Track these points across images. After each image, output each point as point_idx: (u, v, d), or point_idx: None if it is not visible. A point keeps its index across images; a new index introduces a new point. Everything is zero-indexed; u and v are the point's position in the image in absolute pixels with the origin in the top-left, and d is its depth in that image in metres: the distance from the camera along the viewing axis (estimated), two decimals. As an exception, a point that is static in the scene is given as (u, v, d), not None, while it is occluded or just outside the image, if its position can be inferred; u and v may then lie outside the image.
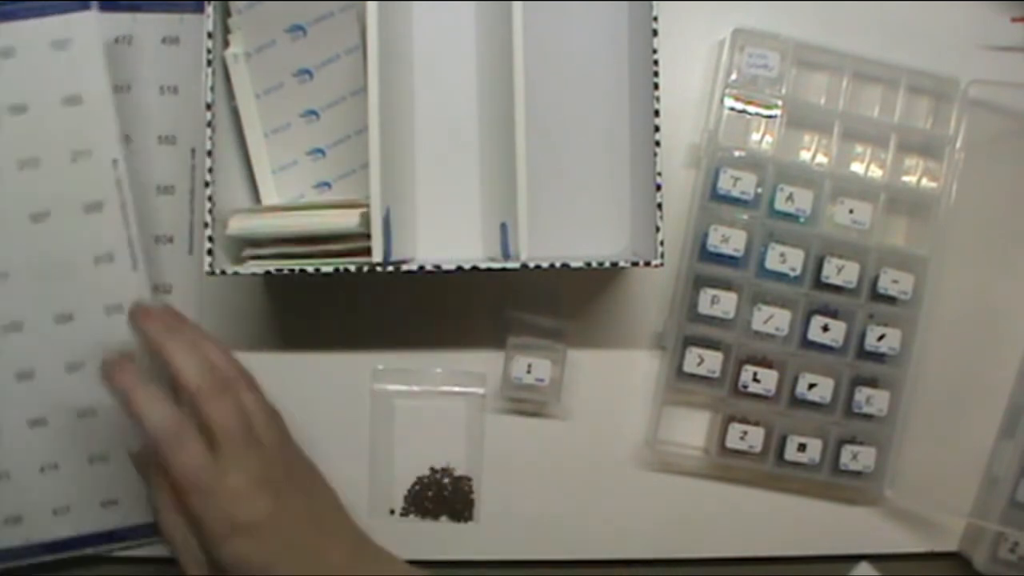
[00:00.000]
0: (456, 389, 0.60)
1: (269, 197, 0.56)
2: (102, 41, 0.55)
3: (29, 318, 0.56)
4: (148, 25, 0.59)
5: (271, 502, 0.46)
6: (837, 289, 0.58)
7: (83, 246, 0.56)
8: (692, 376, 0.58)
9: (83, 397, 0.57)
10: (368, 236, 0.50)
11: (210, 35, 0.52)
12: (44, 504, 0.57)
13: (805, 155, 0.60)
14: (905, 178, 0.60)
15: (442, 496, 0.59)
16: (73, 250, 0.56)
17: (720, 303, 0.57)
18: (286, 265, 0.51)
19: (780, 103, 0.58)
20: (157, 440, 0.46)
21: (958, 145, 0.59)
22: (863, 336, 0.58)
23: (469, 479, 0.59)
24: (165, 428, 0.46)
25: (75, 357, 0.57)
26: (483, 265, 0.51)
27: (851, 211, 0.58)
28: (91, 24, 0.55)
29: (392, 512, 0.59)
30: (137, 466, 0.51)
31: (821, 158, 0.59)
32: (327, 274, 0.51)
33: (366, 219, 0.50)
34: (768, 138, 0.59)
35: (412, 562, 0.57)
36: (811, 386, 0.58)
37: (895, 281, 0.58)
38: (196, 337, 0.50)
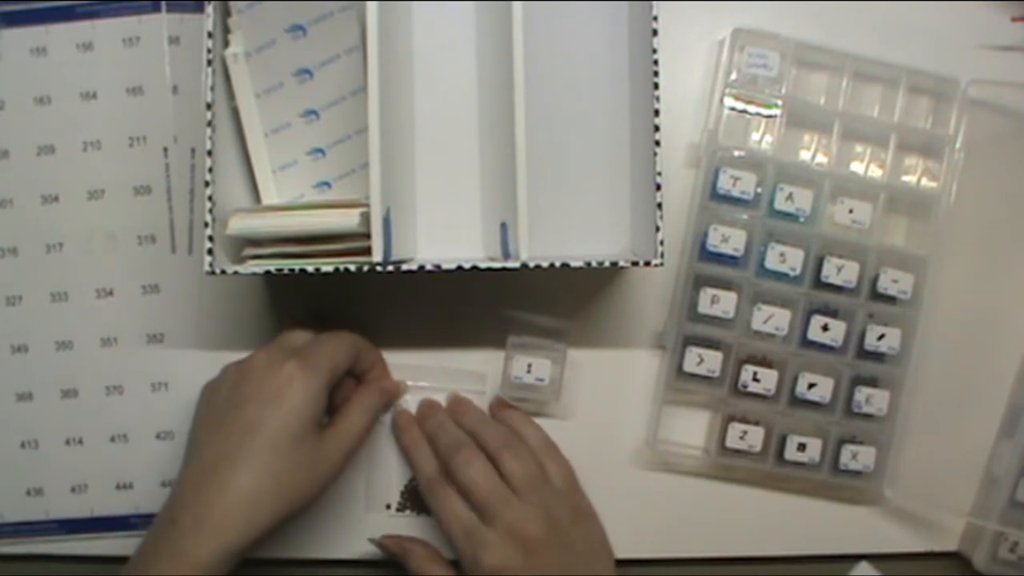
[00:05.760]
0: (456, 388, 0.60)
1: (269, 197, 0.56)
2: (166, 39, 0.59)
3: (73, 290, 0.59)
4: (152, 26, 0.59)
5: (549, 532, 0.52)
6: (837, 289, 0.58)
7: (130, 226, 0.60)
8: (692, 376, 0.58)
9: (112, 373, 0.59)
10: (368, 236, 0.50)
11: (210, 35, 0.51)
12: (64, 479, 0.59)
13: (805, 155, 0.60)
14: (905, 178, 0.60)
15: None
16: (120, 229, 0.60)
17: (720, 303, 0.57)
18: (286, 265, 0.51)
19: (780, 103, 0.58)
20: (449, 455, 0.54)
21: (958, 145, 0.59)
22: (863, 336, 0.58)
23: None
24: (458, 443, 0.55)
25: (110, 332, 0.59)
26: (483, 265, 0.51)
27: (851, 211, 0.58)
28: (159, 23, 0.59)
29: (388, 507, 0.59)
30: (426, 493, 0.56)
31: (821, 158, 0.59)
32: (327, 274, 0.51)
33: (366, 219, 0.50)
34: (768, 138, 0.59)
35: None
36: (811, 386, 0.58)
37: (895, 281, 0.58)
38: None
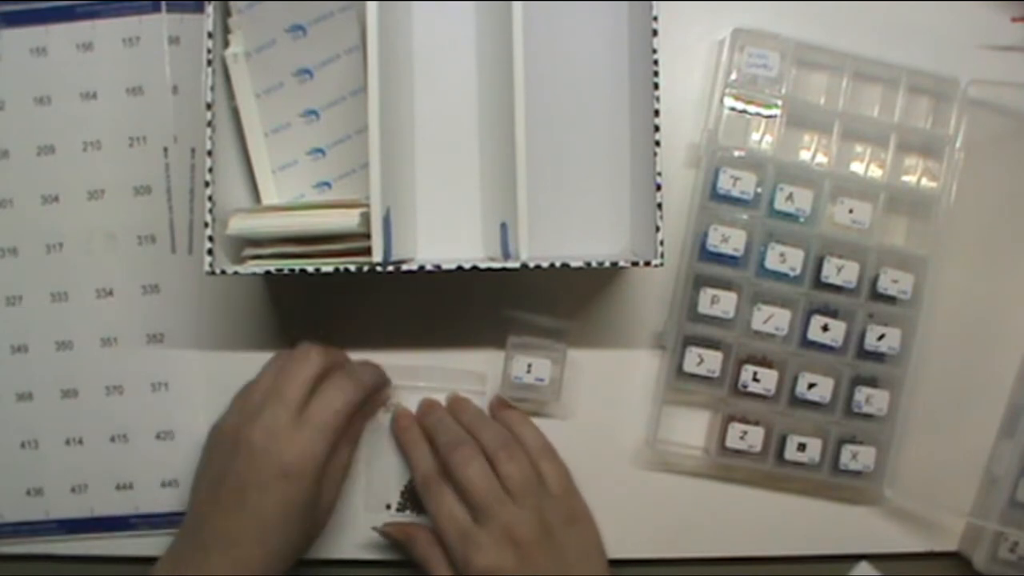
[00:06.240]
0: (456, 388, 0.60)
1: (269, 197, 0.56)
2: (166, 39, 0.59)
3: (73, 290, 0.59)
4: (152, 26, 0.59)
5: (542, 535, 0.52)
6: (837, 289, 0.58)
7: (130, 226, 0.59)
8: (692, 376, 0.58)
9: (112, 373, 0.59)
10: (368, 236, 0.50)
11: (210, 35, 0.52)
12: (64, 479, 0.59)
13: (805, 155, 0.60)
14: (905, 178, 0.60)
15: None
16: (120, 229, 0.59)
17: (720, 303, 0.57)
18: (286, 265, 0.51)
19: (780, 103, 0.58)
20: (449, 452, 0.54)
21: (958, 145, 0.59)
22: (863, 336, 0.58)
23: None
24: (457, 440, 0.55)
25: (110, 332, 0.59)
26: (483, 265, 0.51)
27: (851, 211, 0.58)
28: (159, 23, 0.59)
29: (388, 507, 0.59)
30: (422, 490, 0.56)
31: (821, 158, 0.59)
32: (327, 274, 0.51)
33: (366, 219, 0.50)
34: (768, 138, 0.59)
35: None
36: (811, 386, 0.58)
37: (895, 281, 0.58)
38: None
